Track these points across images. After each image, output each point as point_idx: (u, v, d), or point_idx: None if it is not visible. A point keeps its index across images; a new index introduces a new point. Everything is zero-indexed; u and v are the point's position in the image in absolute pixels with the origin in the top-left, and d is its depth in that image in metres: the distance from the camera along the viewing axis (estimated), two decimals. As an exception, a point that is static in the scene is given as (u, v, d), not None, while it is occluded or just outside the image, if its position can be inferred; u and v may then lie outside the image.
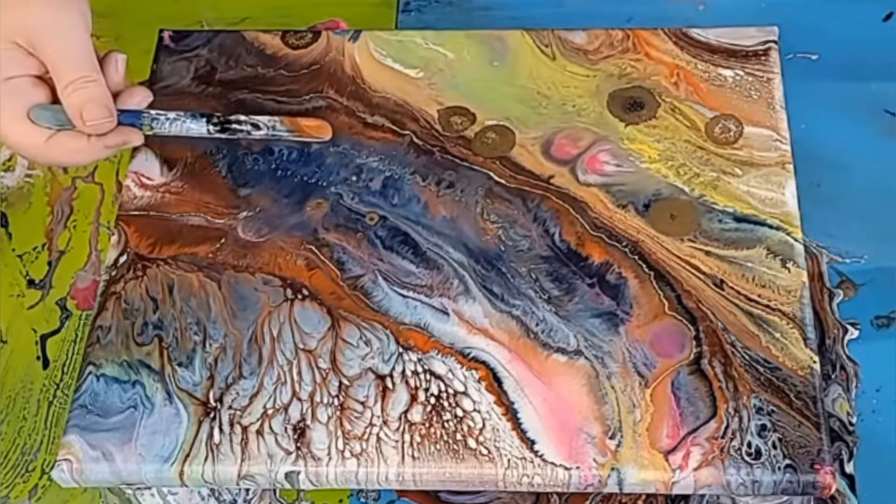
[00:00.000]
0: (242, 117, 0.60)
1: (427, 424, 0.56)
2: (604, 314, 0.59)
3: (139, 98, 0.59)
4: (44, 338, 0.65)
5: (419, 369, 0.58)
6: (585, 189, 0.63)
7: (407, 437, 0.56)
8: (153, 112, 0.59)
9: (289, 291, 0.61)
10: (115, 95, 0.58)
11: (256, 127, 0.60)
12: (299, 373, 0.58)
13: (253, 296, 0.61)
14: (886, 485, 0.58)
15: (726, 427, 0.55)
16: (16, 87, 0.57)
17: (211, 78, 0.69)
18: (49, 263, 0.68)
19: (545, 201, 0.63)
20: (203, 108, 0.68)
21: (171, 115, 0.59)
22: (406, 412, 0.56)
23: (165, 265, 0.62)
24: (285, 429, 0.56)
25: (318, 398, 0.57)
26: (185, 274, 0.62)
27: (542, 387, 0.57)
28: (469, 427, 0.56)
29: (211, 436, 0.56)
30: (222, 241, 0.63)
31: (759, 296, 0.59)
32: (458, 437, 0.56)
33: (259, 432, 0.56)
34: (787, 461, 0.54)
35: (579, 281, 0.60)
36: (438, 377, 0.57)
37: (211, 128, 0.60)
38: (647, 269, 0.60)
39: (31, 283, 0.67)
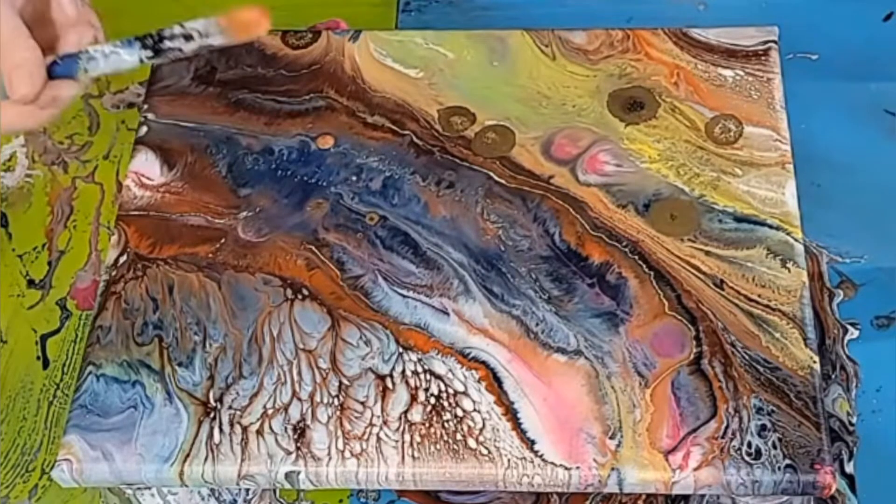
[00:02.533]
0: (177, 29, 0.54)
1: (427, 424, 0.56)
2: (604, 314, 0.59)
3: (77, 36, 0.55)
4: (44, 338, 0.65)
5: (419, 369, 0.58)
6: (585, 189, 0.63)
7: (407, 437, 0.56)
8: (90, 50, 0.54)
9: (289, 291, 0.61)
10: (63, 38, 0.55)
11: (188, 38, 0.54)
12: (299, 373, 0.58)
13: (253, 296, 0.61)
14: (886, 485, 0.58)
15: (726, 427, 0.55)
16: None
17: (211, 78, 0.69)
18: (49, 263, 0.68)
19: (545, 201, 0.63)
20: (203, 109, 0.68)
21: (107, 48, 0.54)
22: (406, 412, 0.56)
23: (165, 265, 0.62)
24: (285, 429, 0.56)
25: (318, 398, 0.57)
26: (185, 274, 0.62)
27: (542, 387, 0.57)
28: (469, 427, 0.56)
29: (211, 436, 0.56)
30: (222, 241, 0.63)
31: (759, 296, 0.59)
32: (458, 437, 0.56)
33: (259, 432, 0.56)
34: (787, 461, 0.54)
35: (579, 281, 0.60)
36: (438, 377, 0.57)
37: (143, 54, 0.54)
38: (647, 269, 0.60)
39: (31, 283, 0.67)
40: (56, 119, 0.56)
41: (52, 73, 0.53)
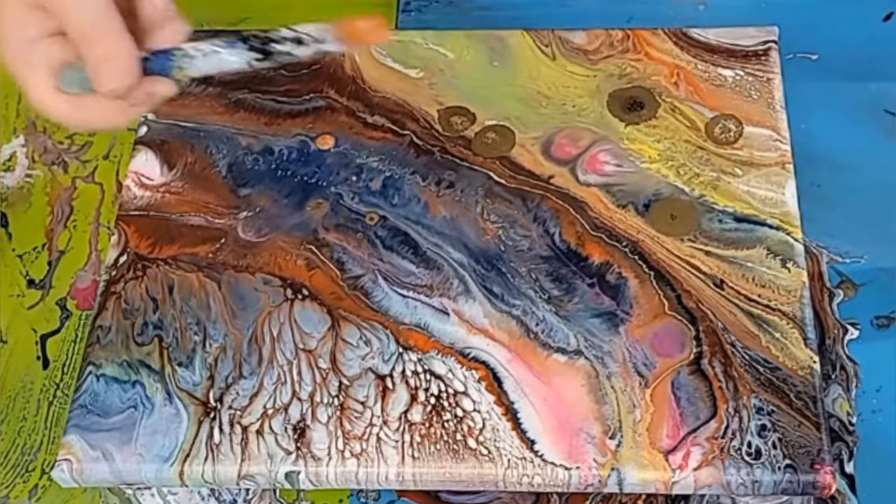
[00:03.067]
0: (286, 32, 0.51)
1: (427, 424, 0.56)
2: (604, 314, 0.59)
3: (172, 33, 0.51)
4: (44, 338, 0.65)
5: (419, 369, 0.58)
6: (585, 189, 0.63)
7: (407, 437, 0.56)
8: (187, 47, 0.50)
9: (289, 291, 0.61)
10: (150, 33, 0.50)
11: (300, 42, 0.51)
12: (299, 373, 0.58)
13: (253, 296, 0.61)
14: (886, 485, 0.58)
15: (726, 427, 0.55)
16: (42, 50, 0.50)
17: (211, 78, 0.69)
18: (49, 263, 0.68)
19: (545, 201, 0.63)
20: (202, 108, 0.68)
21: (206, 47, 0.50)
22: (406, 412, 0.56)
23: (165, 265, 0.62)
24: (285, 429, 0.56)
25: (318, 398, 0.57)
26: (185, 274, 0.62)
27: (542, 387, 0.57)
28: (469, 427, 0.56)
29: (211, 436, 0.56)
30: (222, 241, 0.63)
31: (759, 296, 0.59)
32: (458, 437, 0.56)
33: (259, 432, 0.56)
34: (787, 461, 0.54)
35: (579, 281, 0.60)
36: (438, 377, 0.57)
37: (251, 56, 0.50)
38: (647, 269, 0.60)
39: (31, 283, 0.67)
40: (139, 118, 0.51)
41: (144, 70, 0.49)
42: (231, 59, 0.50)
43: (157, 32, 0.50)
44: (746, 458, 0.54)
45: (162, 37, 0.50)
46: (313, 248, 0.62)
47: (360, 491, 0.60)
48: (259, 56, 0.50)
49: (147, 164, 0.66)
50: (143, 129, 0.67)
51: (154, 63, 0.50)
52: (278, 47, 0.50)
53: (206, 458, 0.56)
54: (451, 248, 0.62)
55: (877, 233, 0.65)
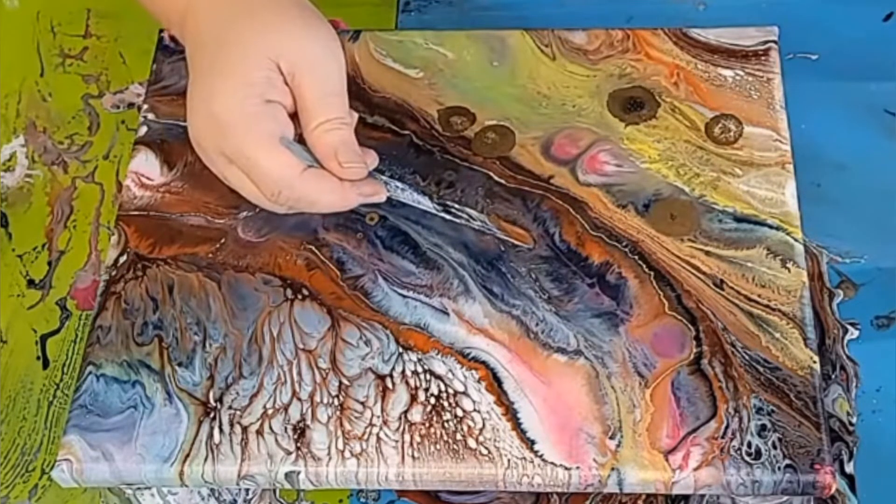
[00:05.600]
0: (457, 206, 0.61)
1: (427, 424, 0.56)
2: (604, 314, 0.59)
3: (371, 158, 0.59)
4: (44, 338, 0.65)
5: (419, 369, 0.58)
6: (585, 189, 0.63)
7: (407, 437, 0.56)
8: (383, 177, 0.60)
9: (289, 291, 0.61)
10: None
11: (471, 218, 0.61)
12: (299, 373, 0.58)
13: (253, 296, 0.61)
14: (886, 485, 0.58)
15: (726, 427, 0.55)
16: (275, 111, 0.54)
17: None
18: (49, 263, 0.68)
19: (545, 201, 0.63)
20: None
21: (400, 184, 0.60)
22: (406, 412, 0.56)
23: (165, 265, 0.62)
24: (285, 429, 0.56)
25: (318, 398, 0.57)
26: (185, 274, 0.62)
27: (542, 387, 0.57)
28: (469, 427, 0.56)
29: (211, 436, 0.56)
30: (222, 241, 0.63)
31: (759, 296, 0.59)
32: (458, 437, 0.56)
33: (259, 432, 0.56)
34: (787, 461, 0.54)
35: (579, 281, 0.60)
36: (438, 377, 0.57)
37: (435, 208, 0.61)
38: (647, 269, 0.60)
39: (31, 283, 0.67)
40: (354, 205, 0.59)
41: None
42: (421, 200, 0.61)
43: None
44: (746, 458, 0.54)
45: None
46: (313, 248, 0.62)
47: (360, 491, 0.60)
48: (441, 210, 0.61)
49: (147, 164, 0.66)
50: (143, 129, 0.67)
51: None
52: (456, 212, 0.61)
53: (206, 458, 0.56)
54: (451, 248, 0.62)
55: (877, 233, 0.65)
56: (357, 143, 0.57)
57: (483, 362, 0.58)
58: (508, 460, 0.55)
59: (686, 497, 0.58)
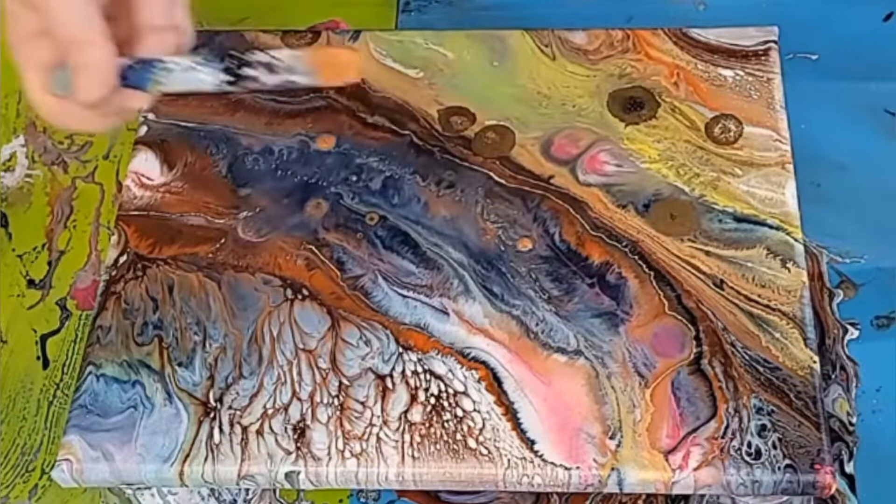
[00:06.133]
0: (260, 56, 0.50)
1: (427, 424, 0.56)
2: (604, 314, 0.59)
3: (159, 41, 0.50)
4: (44, 338, 0.65)
5: (419, 369, 0.58)
6: (585, 189, 0.63)
7: (407, 437, 0.56)
8: (167, 61, 0.49)
9: (289, 291, 0.61)
10: (138, 37, 0.49)
11: (271, 69, 0.50)
12: (299, 373, 0.58)
13: (253, 296, 0.61)
14: (886, 485, 0.58)
15: (726, 427, 0.55)
16: (35, 49, 0.49)
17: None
18: (49, 263, 0.68)
19: (545, 201, 0.63)
20: (203, 108, 0.68)
21: (186, 62, 0.49)
22: (406, 412, 0.56)
23: (165, 265, 0.62)
24: (285, 429, 0.56)
25: (318, 398, 0.57)
26: (185, 274, 0.62)
27: (542, 387, 0.57)
28: (469, 427, 0.56)
29: (211, 436, 0.56)
30: (222, 241, 0.63)
31: (759, 296, 0.59)
32: (458, 437, 0.56)
33: (259, 432, 0.56)
34: (787, 461, 0.54)
35: (579, 281, 0.60)
36: (438, 377, 0.57)
37: (222, 78, 0.50)
38: (647, 269, 0.60)
39: (31, 283, 0.67)
40: (117, 127, 0.51)
41: (123, 80, 0.49)
42: (205, 78, 0.50)
43: (148, 39, 0.49)
44: (746, 458, 0.54)
45: (149, 44, 0.49)
46: (313, 248, 0.62)
47: (360, 491, 0.60)
48: (230, 79, 0.50)
49: (147, 164, 0.66)
50: (143, 129, 0.67)
51: (133, 74, 0.49)
52: (249, 72, 0.50)
53: (206, 458, 0.56)
54: (451, 248, 0.62)
55: (877, 233, 0.65)
56: (109, 59, 0.48)
57: (483, 362, 0.58)
58: (508, 460, 0.55)
59: (686, 497, 0.58)
